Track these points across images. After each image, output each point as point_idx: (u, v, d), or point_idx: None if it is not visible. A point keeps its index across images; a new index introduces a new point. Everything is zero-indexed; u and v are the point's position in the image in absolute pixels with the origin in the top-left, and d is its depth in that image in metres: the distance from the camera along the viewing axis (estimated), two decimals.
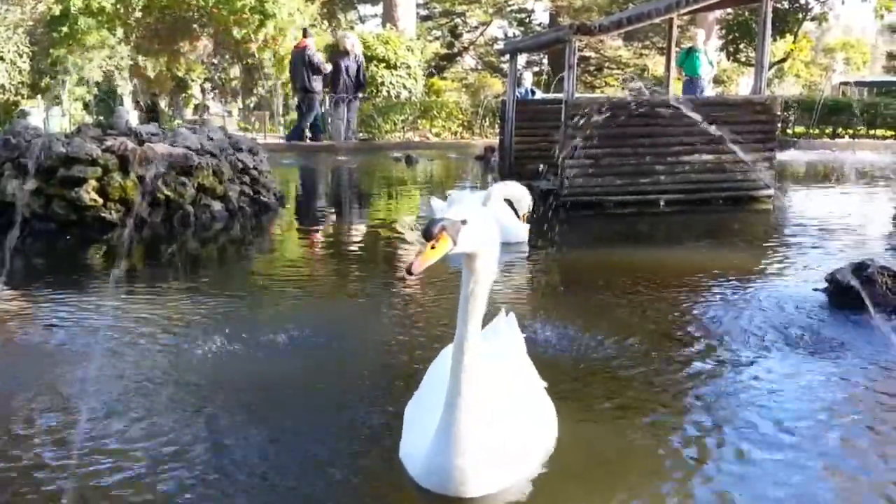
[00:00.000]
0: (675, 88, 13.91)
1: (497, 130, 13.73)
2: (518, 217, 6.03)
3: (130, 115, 8.69)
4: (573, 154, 7.91)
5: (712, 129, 7.07)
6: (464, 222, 2.00)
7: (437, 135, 19.27)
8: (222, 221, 7.30)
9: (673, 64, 11.14)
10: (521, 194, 5.93)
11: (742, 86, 28.39)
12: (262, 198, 8.05)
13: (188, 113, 27.33)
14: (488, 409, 2.15)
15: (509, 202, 6.09)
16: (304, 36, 17.17)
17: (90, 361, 3.29)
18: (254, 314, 4.19)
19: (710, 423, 2.73)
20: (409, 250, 6.39)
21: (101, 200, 6.74)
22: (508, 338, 2.78)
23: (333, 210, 9.41)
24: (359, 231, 7.62)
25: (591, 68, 33.72)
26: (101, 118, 16.50)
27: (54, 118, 18.48)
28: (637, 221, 7.70)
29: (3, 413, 2.75)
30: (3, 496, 2.18)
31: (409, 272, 1.94)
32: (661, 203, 8.22)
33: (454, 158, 15.98)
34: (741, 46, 26.08)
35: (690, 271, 5.16)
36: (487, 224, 2.08)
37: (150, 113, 22.61)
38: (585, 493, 2.27)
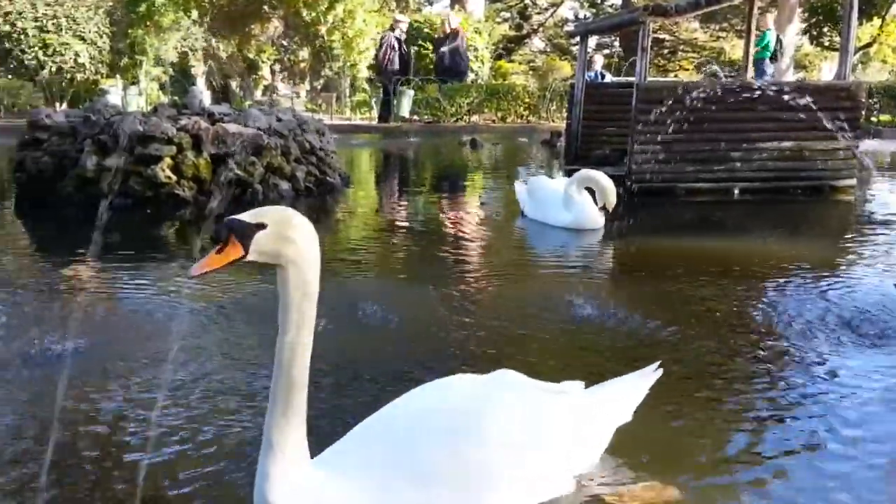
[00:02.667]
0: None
1: (564, 115, 13.56)
2: (596, 204, 5.96)
3: (203, 95, 8.83)
4: (643, 139, 7.74)
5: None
6: (260, 226, 1.66)
7: (503, 119, 19.14)
8: (289, 200, 7.39)
9: (751, 48, 10.76)
10: (606, 186, 5.85)
11: (825, 71, 27.43)
12: (327, 178, 8.11)
13: (258, 94, 27.72)
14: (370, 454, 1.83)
15: (590, 190, 6.02)
16: (396, 20, 17.96)
17: (177, 333, 3.38)
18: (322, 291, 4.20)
19: (775, 417, 2.64)
20: (467, 231, 6.36)
21: (174, 178, 6.89)
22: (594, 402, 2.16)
23: (396, 191, 9.44)
24: (420, 212, 7.61)
25: (665, 51, 32.99)
26: (176, 98, 16.88)
27: (132, 97, 18.98)
28: (709, 210, 7.50)
29: (105, 377, 2.83)
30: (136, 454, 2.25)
31: (189, 274, 1.67)
32: (735, 191, 7.99)
33: (519, 143, 15.85)
34: (825, 30, 25.12)
35: (762, 263, 5.00)
36: (299, 232, 1.70)
37: (222, 93, 23.05)
38: (663, 469, 2.21)
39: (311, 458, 1.84)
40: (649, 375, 2.25)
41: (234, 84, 26.23)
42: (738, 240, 6.04)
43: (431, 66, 20.21)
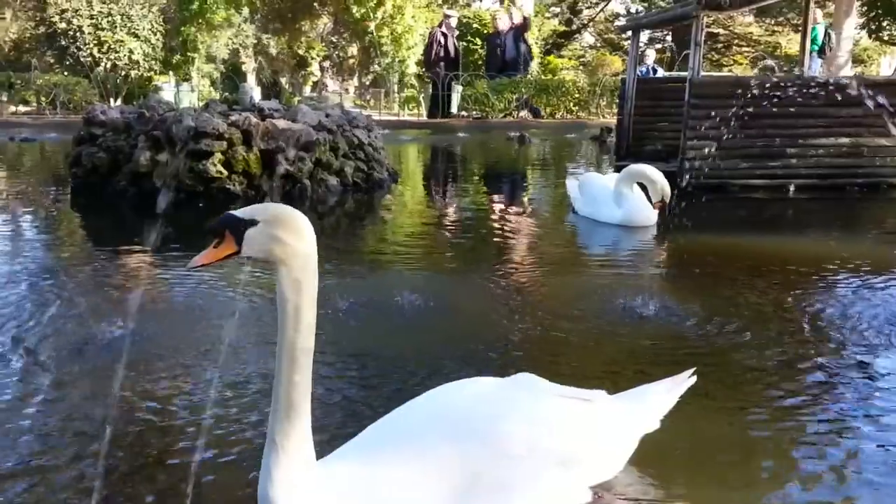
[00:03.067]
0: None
1: (615, 110, 13.40)
2: (650, 201, 5.87)
3: (253, 91, 8.95)
4: (696, 135, 7.60)
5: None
6: (252, 223, 1.63)
7: (552, 114, 19.00)
8: (337, 196, 7.43)
9: (808, 42, 10.50)
10: (657, 180, 5.75)
11: (883, 66, 26.63)
12: (375, 174, 8.13)
13: (307, 90, 28.01)
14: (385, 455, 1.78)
15: (643, 186, 5.93)
16: (446, 16, 18.02)
17: (230, 322, 3.42)
18: (364, 285, 4.23)
19: (824, 420, 2.56)
20: (514, 227, 6.32)
21: (225, 172, 6.97)
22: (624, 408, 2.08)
23: (443, 187, 9.42)
24: (467, 208, 7.59)
25: (719, 46, 32.39)
26: (227, 94, 17.14)
27: (184, 94, 19.34)
28: (763, 207, 7.33)
29: (159, 365, 2.87)
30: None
31: (188, 266, 1.69)
32: (791, 188, 7.80)
33: (569, 138, 15.71)
34: (884, 24, 24.40)
35: (817, 262, 4.85)
36: (289, 231, 1.65)
37: (272, 90, 23.33)
38: (689, 483, 2.15)
39: (319, 458, 1.81)
40: (681, 383, 2.15)
41: (283, 80, 26.54)
42: (793, 238, 5.89)
43: (481, 62, 20.19)
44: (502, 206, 7.60)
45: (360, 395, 2.72)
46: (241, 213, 1.65)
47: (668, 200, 5.76)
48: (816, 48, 15.91)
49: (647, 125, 9.60)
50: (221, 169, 6.96)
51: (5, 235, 5.76)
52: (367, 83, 28.02)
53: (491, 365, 3.01)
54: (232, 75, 20.85)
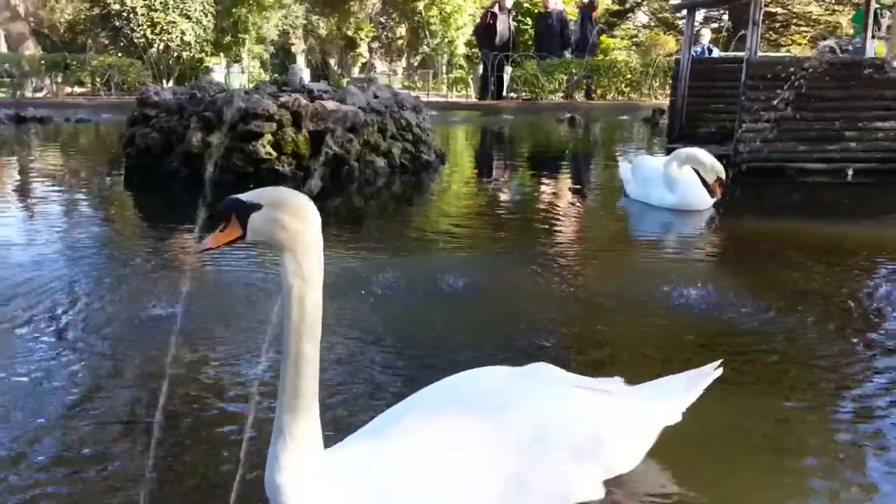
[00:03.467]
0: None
1: (668, 91, 13.14)
2: (706, 185, 5.75)
3: (303, 72, 8.99)
4: (752, 117, 7.40)
5: None
6: (256, 207, 1.60)
7: (603, 95, 18.73)
8: (385, 177, 7.43)
9: (870, 21, 10.14)
10: (707, 162, 5.63)
11: None
12: (423, 155, 8.11)
13: (355, 71, 28.08)
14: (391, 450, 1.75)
15: (696, 170, 5.82)
16: None
17: (276, 300, 3.45)
18: (408, 267, 4.23)
19: (875, 410, 2.48)
20: (563, 211, 6.25)
21: (275, 154, 7.02)
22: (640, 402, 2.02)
23: (492, 169, 9.36)
24: (515, 191, 7.53)
25: (777, 25, 31.48)
26: (277, 75, 17.26)
27: (234, 75, 19.53)
28: (820, 191, 7.12)
29: (209, 341, 2.90)
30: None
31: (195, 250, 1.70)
32: (849, 172, 7.55)
33: (620, 120, 15.49)
34: None
35: (875, 248, 4.70)
36: (292, 216, 1.61)
37: (321, 71, 23.44)
38: (712, 479, 2.09)
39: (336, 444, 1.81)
40: (706, 375, 2.08)
41: (332, 61, 26.63)
42: (851, 224, 5.70)
43: (531, 42, 19.98)
44: (550, 189, 7.52)
45: (393, 377, 2.72)
46: (245, 196, 1.62)
47: (724, 178, 5.63)
48: (860, 30, 15.30)
49: (701, 107, 9.37)
50: (271, 150, 7.01)
51: (61, 214, 5.90)
52: (416, 64, 28.00)
53: (528, 350, 2.98)
54: (281, 56, 21.00)
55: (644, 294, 3.73)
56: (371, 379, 2.70)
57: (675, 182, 5.80)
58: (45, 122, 13.76)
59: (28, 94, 17.79)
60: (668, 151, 7.23)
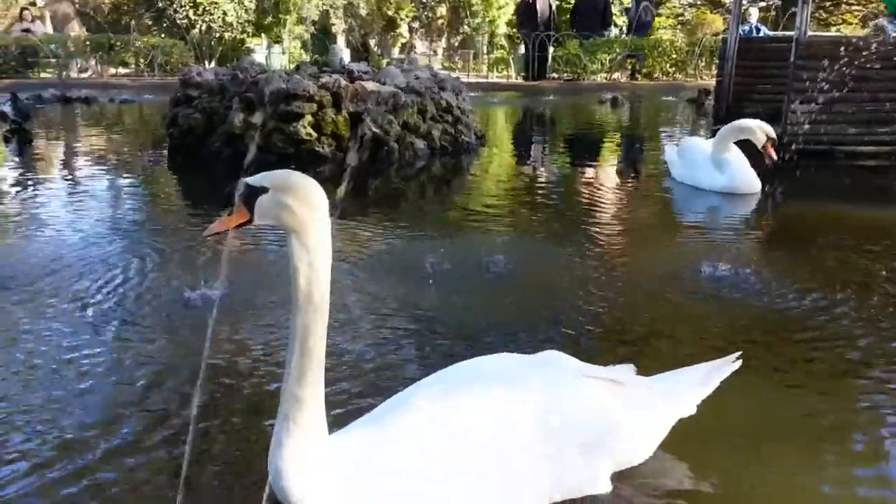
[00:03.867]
0: None
1: (714, 72, 12.87)
2: (756, 167, 5.60)
3: (343, 53, 8.95)
4: (801, 98, 7.20)
5: None
6: (263, 190, 1.60)
7: (648, 75, 18.41)
8: (424, 159, 7.39)
9: None
10: (753, 126, 5.50)
11: None
12: (463, 137, 8.05)
13: (395, 52, 28.00)
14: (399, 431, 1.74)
15: (744, 150, 5.68)
16: None
17: None
18: (446, 249, 4.20)
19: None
20: (605, 193, 6.14)
21: (315, 134, 7.03)
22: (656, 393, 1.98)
23: (533, 151, 9.26)
24: (556, 173, 7.43)
25: (828, 3, 30.62)
26: (317, 56, 17.28)
27: (275, 56, 19.60)
28: (871, 175, 6.91)
29: (249, 319, 2.92)
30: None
31: (203, 234, 1.68)
32: None
33: (664, 101, 15.21)
34: None
35: None
36: (297, 199, 1.61)
37: (361, 51, 23.41)
38: (726, 471, 2.03)
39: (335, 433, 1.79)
40: (723, 367, 2.02)
41: (372, 42, 26.58)
42: None
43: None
44: (592, 171, 7.41)
45: (423, 357, 2.71)
46: (252, 180, 1.61)
47: (774, 137, 5.49)
48: (893, 9, 14.69)
49: (749, 87, 9.14)
50: (311, 131, 7.02)
51: (105, 194, 5.97)
52: (456, 44, 27.81)
53: (560, 334, 2.95)
54: (322, 37, 21.01)
55: (684, 277, 3.65)
56: (402, 358, 2.70)
57: (725, 163, 5.67)
58: (90, 103, 13.95)
59: (73, 74, 18.04)
60: (714, 133, 7.06)
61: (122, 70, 19.37)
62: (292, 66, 10.17)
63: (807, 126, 7.18)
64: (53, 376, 2.50)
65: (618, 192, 6.36)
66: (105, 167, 7.30)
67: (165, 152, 7.85)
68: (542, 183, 6.86)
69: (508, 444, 1.75)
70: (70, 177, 6.77)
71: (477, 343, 2.83)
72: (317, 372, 1.67)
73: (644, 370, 2.10)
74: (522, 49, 18.22)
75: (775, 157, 5.51)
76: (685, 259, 3.98)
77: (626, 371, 2.02)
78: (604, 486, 1.84)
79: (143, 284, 3.49)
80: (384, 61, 20.02)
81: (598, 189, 6.43)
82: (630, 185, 6.73)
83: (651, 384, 1.99)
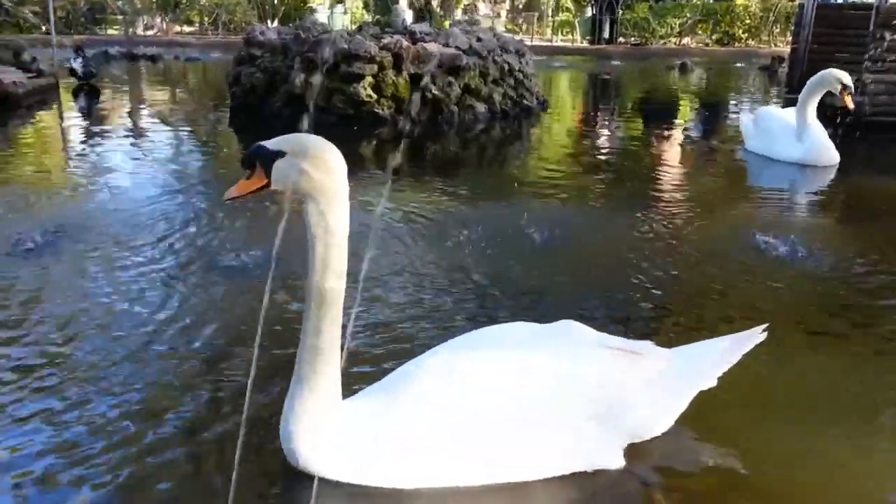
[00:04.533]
0: None
1: (789, 39, 12.39)
2: (842, 105, 5.40)
3: (406, 14, 8.86)
4: (880, 67, 6.87)
5: None
6: (280, 154, 1.56)
7: (719, 41, 17.82)
8: (484, 123, 7.30)
9: None
10: (827, 75, 5.31)
11: None
12: (524, 101, 7.92)
13: (458, 13, 27.68)
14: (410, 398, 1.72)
15: (823, 120, 5.46)
16: None
17: (368, 244, 3.45)
18: (500, 214, 4.14)
19: None
20: (670, 162, 5.97)
21: (375, 96, 6.99)
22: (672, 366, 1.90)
23: (596, 117, 9.07)
24: (619, 140, 7.25)
25: None
26: (379, 17, 17.18)
27: (337, 15, 19.56)
28: None
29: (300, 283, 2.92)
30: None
31: (223, 199, 1.63)
32: None
33: (735, 68, 14.73)
34: None
35: None
36: (316, 164, 1.57)
37: (423, 12, 23.17)
38: (741, 447, 1.93)
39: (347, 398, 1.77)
40: (748, 340, 1.94)
41: (435, 3, 26.29)
42: None
43: None
44: (658, 139, 7.21)
45: (467, 319, 2.67)
46: (270, 143, 1.57)
47: (850, 85, 5.30)
48: None
49: (825, 55, 8.77)
50: (371, 92, 6.98)
51: (167, 150, 6.05)
52: (521, 6, 27.34)
53: (607, 303, 2.88)
54: None
55: (743, 251, 3.53)
56: (442, 320, 2.67)
57: (806, 133, 5.43)
58: (156, 60, 14.16)
59: (140, 32, 18.31)
60: (788, 102, 6.81)
61: (186, 28, 19.59)
62: (354, 27, 10.11)
63: (885, 97, 6.87)
64: (112, 330, 2.54)
65: (684, 161, 6.17)
66: (168, 124, 7.39)
67: (227, 111, 7.91)
68: (604, 150, 6.70)
69: (519, 414, 1.71)
70: (134, 133, 6.88)
71: (520, 308, 2.78)
72: (332, 339, 1.66)
73: (689, 341, 2.03)
74: (589, 11, 17.79)
75: (851, 105, 5.29)
76: (748, 229, 3.82)
77: (644, 344, 1.95)
78: (617, 459, 1.79)
79: (198, 241, 3.51)
80: (447, 23, 19.80)
81: (663, 158, 6.26)
82: (697, 154, 6.53)
83: (671, 356, 1.93)
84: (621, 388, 1.80)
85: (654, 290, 3.04)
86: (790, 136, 5.53)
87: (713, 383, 1.92)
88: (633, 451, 1.83)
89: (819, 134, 5.44)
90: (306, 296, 1.64)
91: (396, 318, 2.68)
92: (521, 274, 3.20)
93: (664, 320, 2.71)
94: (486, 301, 2.89)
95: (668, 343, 2.06)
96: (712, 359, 1.92)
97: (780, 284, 3.11)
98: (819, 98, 5.43)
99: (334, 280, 1.62)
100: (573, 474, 1.76)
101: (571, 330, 1.94)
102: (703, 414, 1.93)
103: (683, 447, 1.91)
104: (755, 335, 1.94)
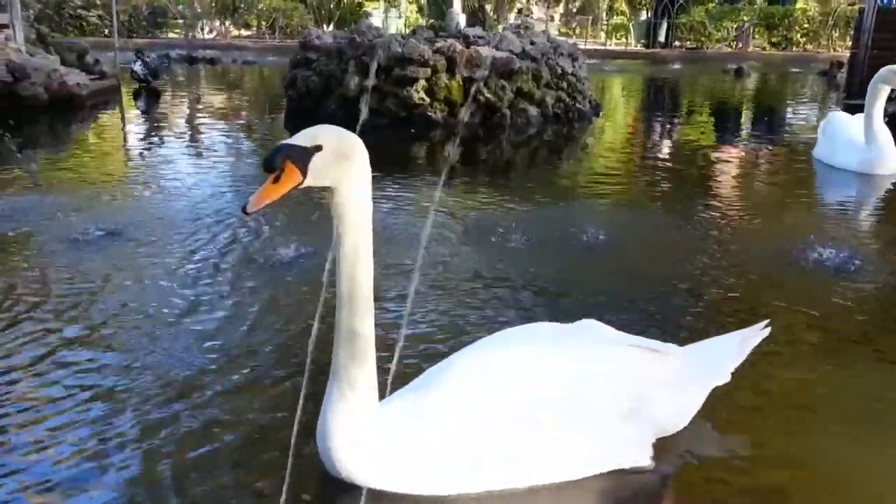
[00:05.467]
0: None
1: (848, 43, 12.11)
2: None
3: (460, 17, 8.91)
4: None
5: None
6: (317, 149, 1.52)
7: (777, 45, 17.49)
8: (536, 126, 7.30)
9: None
10: (886, 72, 5.21)
11: None
12: (577, 105, 7.89)
13: (511, 17, 27.64)
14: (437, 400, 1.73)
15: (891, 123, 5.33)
16: None
17: (419, 243, 3.49)
18: (551, 218, 4.14)
19: None
20: (725, 168, 5.89)
21: (427, 99, 7.04)
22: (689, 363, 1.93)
23: (649, 121, 8.98)
24: (672, 145, 7.17)
25: None
26: (433, 20, 17.26)
27: (392, 19, 19.72)
28: None
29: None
30: None
31: (245, 210, 1.52)
32: None
33: (792, 73, 14.44)
34: None
35: None
36: (358, 148, 1.57)
37: (477, 16, 23.21)
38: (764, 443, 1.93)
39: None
40: (754, 336, 1.98)
41: (488, 6, 26.30)
42: None
43: None
44: (711, 145, 7.12)
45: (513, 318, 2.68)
46: (301, 140, 1.54)
47: None
48: None
49: (886, 60, 8.44)
50: (424, 96, 7.03)
51: (224, 151, 6.18)
52: (574, 10, 27.18)
53: (651, 307, 2.86)
54: (439, 1, 20.94)
55: (791, 260, 3.46)
56: (487, 318, 2.70)
57: (873, 139, 5.27)
58: (215, 63, 14.46)
59: (199, 35, 18.70)
60: (847, 108, 6.66)
61: (244, 32, 19.94)
62: (408, 31, 10.19)
63: None
64: (170, 319, 2.61)
65: (739, 168, 6.08)
66: (225, 126, 7.55)
67: (283, 113, 8.04)
68: (656, 155, 6.64)
69: (547, 415, 1.73)
70: (192, 133, 7.05)
71: (562, 310, 2.78)
72: (367, 338, 1.66)
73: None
74: (644, 15, 17.62)
75: None
76: (797, 239, 3.74)
77: (666, 345, 1.96)
78: (646, 457, 1.80)
79: (252, 240, 3.58)
80: (500, 26, 19.80)
81: (717, 164, 6.17)
82: (753, 160, 6.42)
83: (687, 353, 1.95)
84: (646, 384, 1.83)
85: (701, 295, 3.02)
86: (854, 142, 5.38)
87: (728, 379, 1.96)
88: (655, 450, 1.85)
89: (885, 141, 5.28)
90: (338, 291, 1.64)
91: (447, 312, 2.72)
92: (565, 276, 3.21)
93: (710, 326, 2.68)
94: (531, 299, 2.91)
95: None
96: (726, 355, 1.97)
97: (828, 294, 3.06)
98: (884, 100, 5.28)
99: (365, 271, 1.63)
100: (604, 474, 1.77)
101: (593, 328, 1.96)
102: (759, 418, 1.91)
103: (724, 449, 1.92)
104: (759, 331, 1.99)
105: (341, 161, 1.55)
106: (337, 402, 1.67)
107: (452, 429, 1.69)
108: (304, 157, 1.51)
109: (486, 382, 1.76)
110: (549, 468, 1.73)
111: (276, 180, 1.52)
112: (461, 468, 1.68)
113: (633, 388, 1.81)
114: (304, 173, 1.52)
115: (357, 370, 1.66)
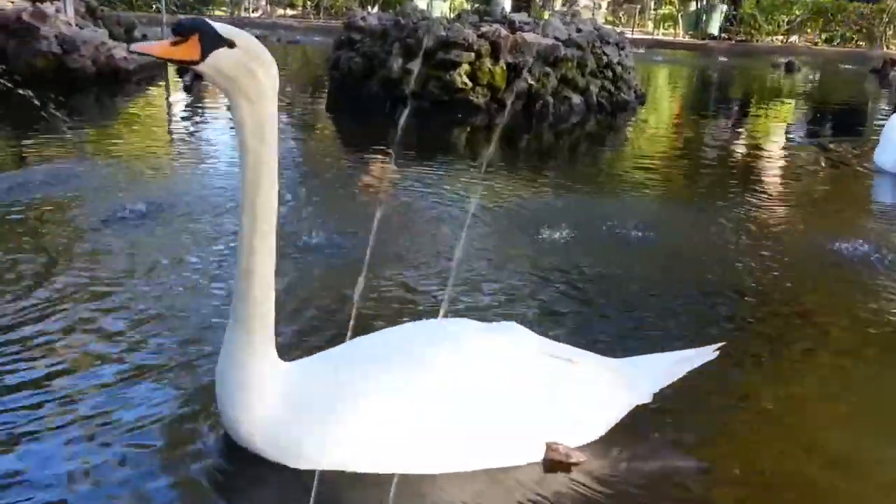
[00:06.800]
0: None
1: None
2: None
3: (505, 2, 8.84)
4: None
5: None
6: (229, 45, 1.48)
7: (829, 40, 17.09)
8: (579, 115, 7.22)
9: None
10: None
11: None
12: (621, 94, 7.78)
13: (557, 4, 27.37)
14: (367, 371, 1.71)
15: None
16: None
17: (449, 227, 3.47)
18: (588, 209, 4.09)
19: None
20: (768, 166, 5.76)
21: (470, 84, 6.99)
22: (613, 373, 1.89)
23: (694, 114, 8.83)
24: (717, 139, 7.04)
25: None
26: (479, 5, 17.15)
27: (437, 2, 19.61)
28: None
29: (394, 265, 2.96)
30: None
31: (129, 49, 1.50)
32: None
33: (843, 69, 14.10)
34: None
35: None
36: (265, 67, 1.53)
37: (523, 2, 23.00)
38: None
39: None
40: (697, 357, 1.91)
41: None
42: None
43: None
44: (757, 140, 6.97)
45: (543, 310, 2.65)
46: (219, 28, 1.50)
47: None
48: None
49: None
50: (466, 80, 6.98)
51: None
52: None
53: (683, 306, 2.79)
54: None
55: (829, 259, 3.39)
56: (513, 309, 2.66)
57: None
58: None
59: (245, 14, 18.81)
60: None
61: (289, 11, 20.01)
62: (454, 14, 10.13)
63: None
64: (206, 298, 2.63)
65: (785, 165, 5.95)
66: None
67: (325, 93, 8.05)
68: (701, 149, 6.52)
69: (443, 408, 1.69)
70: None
71: (593, 307, 2.74)
72: (265, 273, 1.63)
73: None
74: (693, 5, 17.33)
75: None
76: (838, 240, 3.64)
77: (584, 353, 1.92)
78: (537, 454, 1.76)
79: (292, 224, 3.58)
80: (546, 13, 19.61)
81: (761, 160, 6.05)
82: (799, 158, 6.28)
83: (610, 367, 1.90)
84: (547, 393, 1.78)
85: (743, 298, 2.96)
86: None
87: (648, 399, 1.89)
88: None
89: None
90: (239, 220, 1.61)
91: (480, 297, 2.72)
92: (599, 270, 3.16)
93: (741, 331, 2.63)
94: (558, 290, 2.88)
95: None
96: (651, 374, 1.90)
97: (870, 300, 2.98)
98: None
99: (267, 193, 1.59)
100: (489, 470, 1.75)
101: (514, 332, 1.92)
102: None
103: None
104: (707, 354, 1.91)
105: (248, 72, 1.51)
106: (233, 344, 1.65)
107: (361, 402, 1.66)
108: (212, 40, 1.48)
109: (387, 360, 1.75)
110: (435, 456, 1.71)
111: (176, 44, 1.48)
112: (366, 445, 1.66)
113: (533, 394, 1.77)
114: (204, 56, 1.48)
115: (252, 311, 1.63)
